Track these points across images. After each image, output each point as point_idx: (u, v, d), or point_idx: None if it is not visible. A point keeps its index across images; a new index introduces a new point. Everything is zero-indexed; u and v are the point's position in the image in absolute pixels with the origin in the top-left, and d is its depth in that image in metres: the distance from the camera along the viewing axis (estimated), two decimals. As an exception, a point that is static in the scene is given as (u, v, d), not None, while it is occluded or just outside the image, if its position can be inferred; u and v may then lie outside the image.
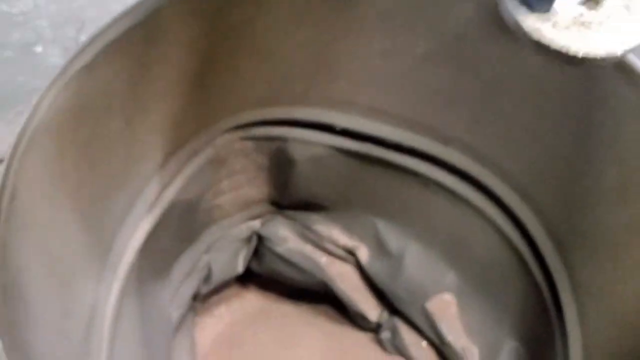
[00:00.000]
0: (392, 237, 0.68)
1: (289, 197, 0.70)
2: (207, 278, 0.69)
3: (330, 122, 0.62)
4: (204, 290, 0.69)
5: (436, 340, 0.67)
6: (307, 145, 0.64)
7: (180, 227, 0.63)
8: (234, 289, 0.75)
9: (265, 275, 0.73)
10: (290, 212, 0.71)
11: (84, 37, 0.92)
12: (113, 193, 0.51)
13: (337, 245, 0.71)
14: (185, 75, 0.52)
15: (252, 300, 0.75)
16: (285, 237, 0.71)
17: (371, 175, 0.65)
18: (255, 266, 0.73)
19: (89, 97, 0.45)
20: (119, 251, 0.54)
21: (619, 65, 0.46)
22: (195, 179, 0.61)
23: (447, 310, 0.66)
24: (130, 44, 0.46)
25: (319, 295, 0.73)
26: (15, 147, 0.39)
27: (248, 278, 0.75)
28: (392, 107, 0.60)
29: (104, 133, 0.48)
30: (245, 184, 0.68)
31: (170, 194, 0.59)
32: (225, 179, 0.66)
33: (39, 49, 0.93)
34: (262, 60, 0.55)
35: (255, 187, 0.69)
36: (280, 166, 0.66)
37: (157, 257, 0.61)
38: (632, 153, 0.49)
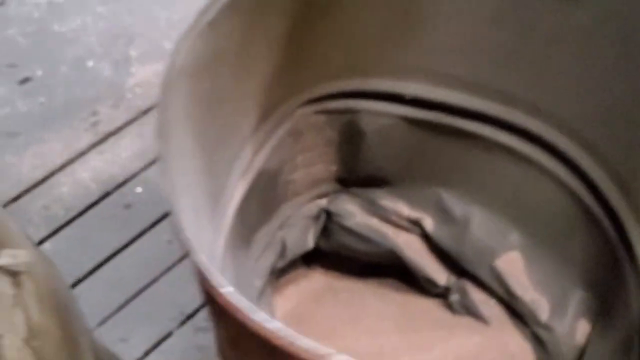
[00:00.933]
0: (456, 204, 0.72)
1: (355, 173, 0.74)
2: (282, 252, 0.72)
3: (400, 91, 0.67)
4: (280, 264, 0.73)
5: (505, 296, 0.70)
6: (376, 116, 0.69)
7: (262, 199, 0.67)
8: (301, 270, 0.78)
9: (332, 252, 0.76)
10: (356, 190, 0.76)
11: (133, 52, 0.98)
12: (221, 147, 0.56)
13: (402, 217, 0.75)
14: (280, 39, 0.57)
15: (319, 279, 0.77)
16: (353, 212, 0.75)
17: (436, 144, 0.70)
18: (323, 244, 0.76)
19: (212, 51, 0.50)
20: (223, 207, 0.58)
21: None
22: (277, 150, 0.66)
23: (514, 266, 0.70)
24: (244, 5, 0.51)
25: (384, 270, 0.76)
26: (166, 81, 0.44)
27: (314, 260, 0.78)
28: (458, 70, 0.65)
29: (217, 87, 0.52)
30: (316, 161, 0.72)
31: (259, 161, 0.63)
32: (300, 154, 0.70)
33: (90, 63, 0.98)
34: (343, 24, 0.60)
35: (324, 164, 0.73)
36: (349, 139, 0.71)
37: (245, 225, 0.65)
38: None
